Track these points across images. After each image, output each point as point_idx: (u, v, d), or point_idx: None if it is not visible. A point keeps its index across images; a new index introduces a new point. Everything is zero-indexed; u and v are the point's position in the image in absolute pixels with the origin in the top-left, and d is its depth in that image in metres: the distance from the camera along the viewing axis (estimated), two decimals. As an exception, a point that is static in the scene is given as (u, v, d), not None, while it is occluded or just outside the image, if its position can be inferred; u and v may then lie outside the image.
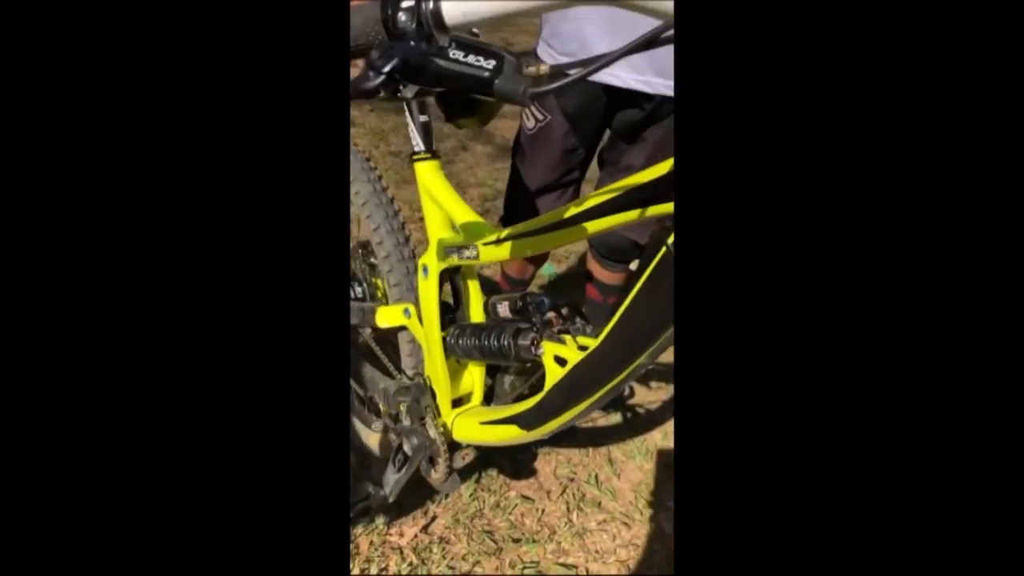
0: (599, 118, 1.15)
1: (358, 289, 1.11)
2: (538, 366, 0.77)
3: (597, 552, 1.09)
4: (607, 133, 1.23)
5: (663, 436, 1.35)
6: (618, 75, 1.05)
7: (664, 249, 0.55)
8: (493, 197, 2.37)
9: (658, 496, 1.20)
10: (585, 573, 1.04)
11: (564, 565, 1.05)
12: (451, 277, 0.92)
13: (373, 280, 1.11)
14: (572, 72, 0.45)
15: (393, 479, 0.90)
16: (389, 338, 1.05)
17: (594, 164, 1.29)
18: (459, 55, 0.44)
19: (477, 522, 1.11)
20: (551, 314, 0.78)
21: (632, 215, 0.59)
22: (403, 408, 0.91)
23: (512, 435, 0.78)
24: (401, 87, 0.60)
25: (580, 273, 1.98)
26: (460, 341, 0.87)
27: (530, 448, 1.28)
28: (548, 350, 0.72)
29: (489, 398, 0.98)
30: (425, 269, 0.89)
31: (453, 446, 0.91)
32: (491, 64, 0.45)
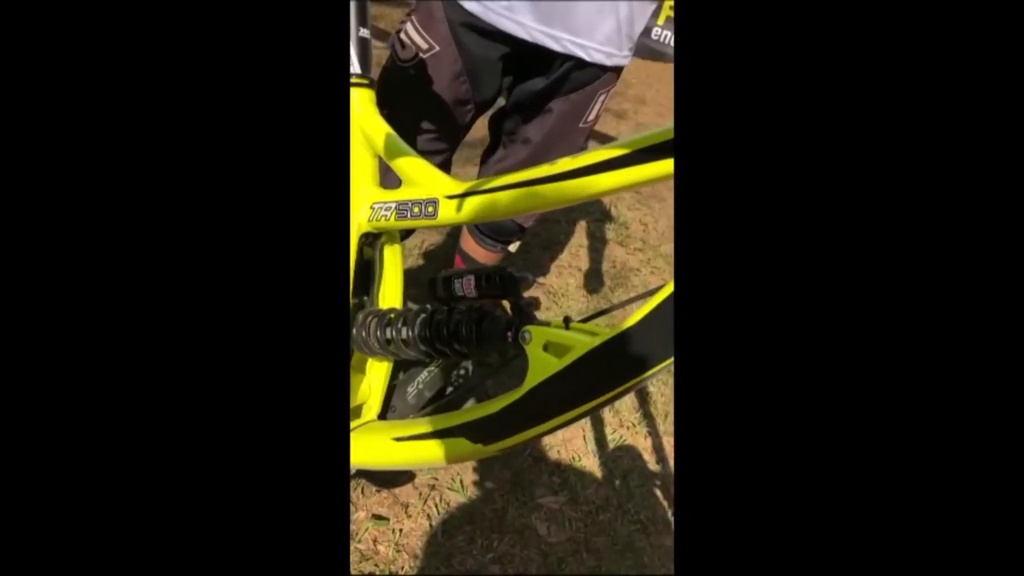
0: (498, 72, 0.91)
1: None
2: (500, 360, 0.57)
3: (467, 572, 0.92)
4: (499, 101, 1.01)
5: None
6: (522, 22, 0.83)
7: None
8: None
9: (529, 493, 1.08)
10: (456, 602, 0.88)
11: (431, 597, 0.87)
12: (364, 248, 0.68)
13: None
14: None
15: None
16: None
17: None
18: None
19: (318, 558, 0.87)
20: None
21: (635, 173, 0.47)
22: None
23: (456, 452, 0.55)
24: None
25: (450, 247, 1.77)
26: (380, 332, 0.63)
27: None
28: (537, 336, 0.52)
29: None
30: None
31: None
32: None
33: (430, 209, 0.56)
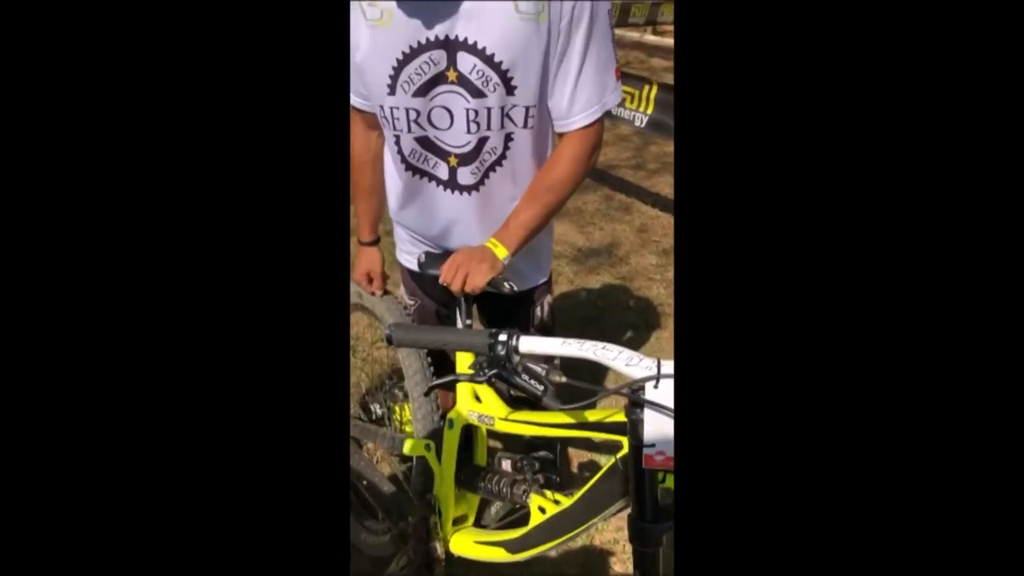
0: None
1: (378, 409, 1.36)
2: (524, 506, 1.07)
3: None
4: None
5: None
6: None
7: (613, 460, 0.88)
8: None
9: None
10: None
11: None
12: (467, 428, 1.18)
13: (392, 405, 1.36)
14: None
15: None
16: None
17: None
18: (525, 378, 0.79)
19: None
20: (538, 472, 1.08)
21: (587, 434, 0.93)
22: (411, 520, 1.18)
23: (498, 556, 1.07)
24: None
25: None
26: (468, 478, 1.17)
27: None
28: (534, 501, 1.03)
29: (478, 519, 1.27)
30: (451, 422, 1.18)
31: (449, 556, 1.17)
32: (540, 388, 0.79)
33: (491, 422, 1.07)
